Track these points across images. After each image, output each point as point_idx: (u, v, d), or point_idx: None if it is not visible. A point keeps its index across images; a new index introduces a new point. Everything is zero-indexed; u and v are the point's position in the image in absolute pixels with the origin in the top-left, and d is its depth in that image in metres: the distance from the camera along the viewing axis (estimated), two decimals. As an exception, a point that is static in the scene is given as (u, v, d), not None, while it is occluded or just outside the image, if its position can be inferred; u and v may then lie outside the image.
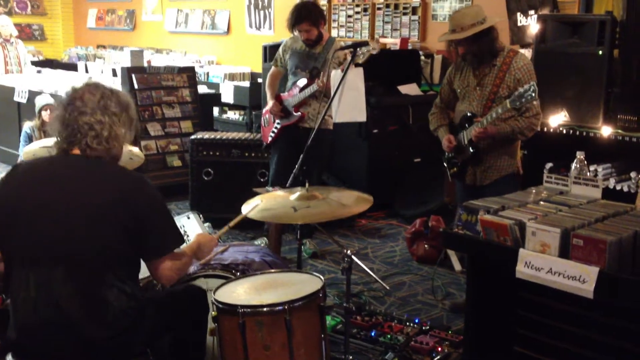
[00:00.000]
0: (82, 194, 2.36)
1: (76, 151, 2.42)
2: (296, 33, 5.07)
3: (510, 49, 3.96)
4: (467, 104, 3.98)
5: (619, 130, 4.23)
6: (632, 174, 4.09)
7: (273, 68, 5.36)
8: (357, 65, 4.34)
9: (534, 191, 3.05)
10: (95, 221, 2.33)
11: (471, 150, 3.93)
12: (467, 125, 3.93)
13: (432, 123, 4.20)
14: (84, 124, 2.39)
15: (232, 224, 3.00)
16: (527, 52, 5.32)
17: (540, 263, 2.46)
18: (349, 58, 5.03)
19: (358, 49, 4.30)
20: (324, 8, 8.11)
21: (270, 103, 5.21)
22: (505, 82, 3.82)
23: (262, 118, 5.44)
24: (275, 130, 5.24)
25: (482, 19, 3.80)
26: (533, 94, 3.58)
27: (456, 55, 3.97)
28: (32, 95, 7.37)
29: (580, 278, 2.35)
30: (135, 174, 2.49)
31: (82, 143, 2.39)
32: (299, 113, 5.08)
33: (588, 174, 3.14)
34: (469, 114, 3.93)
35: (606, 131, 4.27)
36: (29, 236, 2.35)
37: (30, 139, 6.39)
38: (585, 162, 3.17)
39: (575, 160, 3.16)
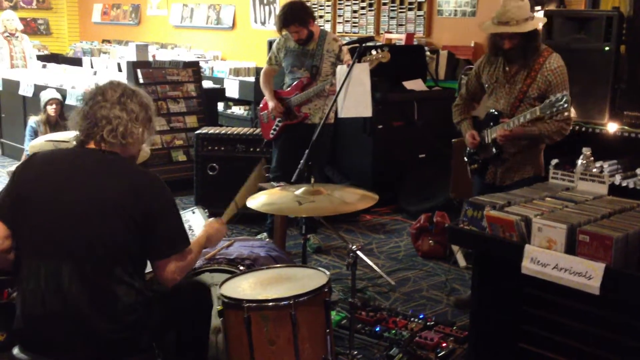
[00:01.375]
0: (95, 188, 2.37)
1: (92, 145, 2.45)
2: (285, 33, 5.07)
3: (545, 47, 3.76)
4: (494, 100, 3.85)
5: (625, 127, 4.22)
6: (638, 171, 4.08)
7: (267, 66, 5.32)
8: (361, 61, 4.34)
9: (540, 187, 3.05)
10: (106, 215, 2.34)
11: (494, 150, 3.80)
12: (491, 123, 3.80)
13: (455, 115, 4.06)
14: (102, 117, 2.43)
15: (237, 199, 3.03)
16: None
17: (546, 259, 2.46)
18: (344, 49, 5.05)
19: (372, 51, 4.30)
20: (329, 3, 8.10)
21: (271, 104, 5.18)
22: (537, 82, 3.67)
23: (260, 114, 5.43)
24: (277, 128, 5.24)
25: (532, 14, 3.66)
26: (565, 105, 3.42)
27: (494, 48, 3.78)
28: (38, 89, 7.38)
29: (586, 274, 2.35)
30: (151, 173, 2.51)
31: (98, 136, 2.43)
32: (302, 114, 5.10)
33: (594, 170, 3.13)
34: (495, 113, 3.79)
35: (612, 127, 4.26)
36: (40, 227, 2.36)
37: (35, 134, 6.41)
38: (592, 158, 3.16)
39: (581, 157, 3.16)
